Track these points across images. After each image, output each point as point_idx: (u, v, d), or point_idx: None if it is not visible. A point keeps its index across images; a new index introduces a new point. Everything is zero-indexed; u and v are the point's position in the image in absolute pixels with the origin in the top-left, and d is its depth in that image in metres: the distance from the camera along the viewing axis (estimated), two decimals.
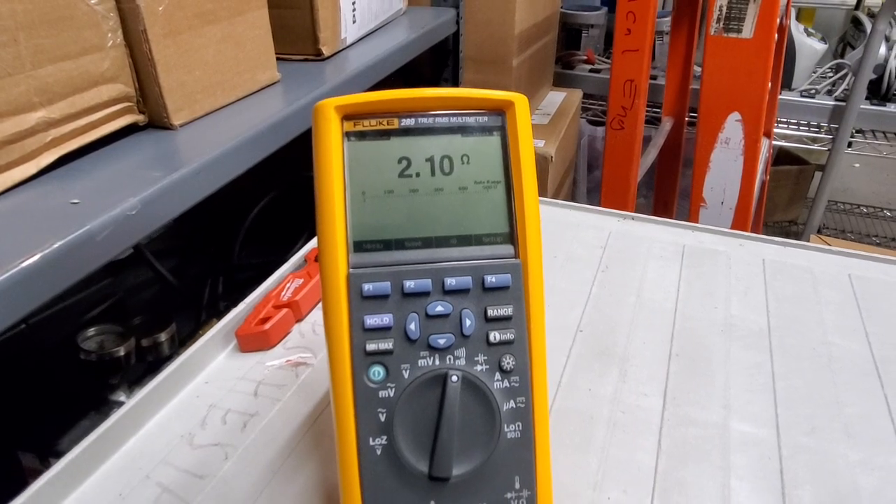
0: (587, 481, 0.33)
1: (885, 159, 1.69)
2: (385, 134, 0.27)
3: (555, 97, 1.42)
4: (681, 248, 0.54)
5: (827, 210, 2.39)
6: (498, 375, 0.26)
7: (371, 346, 0.25)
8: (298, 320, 0.43)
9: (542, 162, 1.09)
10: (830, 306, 0.47)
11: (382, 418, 0.25)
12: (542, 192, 1.13)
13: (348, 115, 0.26)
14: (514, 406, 0.26)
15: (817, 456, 0.35)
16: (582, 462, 0.34)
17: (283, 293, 0.43)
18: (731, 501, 0.32)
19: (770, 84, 0.97)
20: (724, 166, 0.91)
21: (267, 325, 0.41)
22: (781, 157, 2.04)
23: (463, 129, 0.27)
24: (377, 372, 0.26)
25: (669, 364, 0.41)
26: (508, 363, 0.26)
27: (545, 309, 0.27)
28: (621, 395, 0.39)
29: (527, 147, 0.27)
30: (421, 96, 0.27)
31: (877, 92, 1.45)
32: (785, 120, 1.51)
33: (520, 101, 0.27)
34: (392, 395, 0.26)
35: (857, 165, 2.75)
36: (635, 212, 0.57)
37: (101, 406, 0.55)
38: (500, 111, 0.27)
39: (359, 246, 0.26)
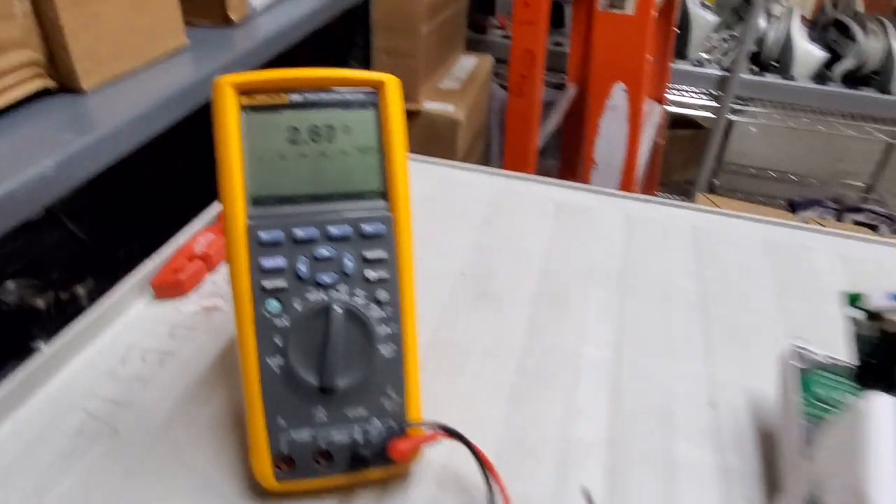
0: (459, 396, 0.40)
1: (782, 124, 1.84)
2: (276, 107, 0.32)
3: (466, 62, 1.47)
4: (557, 205, 0.61)
5: (723, 171, 2.59)
6: (374, 307, 0.32)
7: (267, 284, 0.31)
8: (210, 271, 0.48)
9: (451, 126, 1.14)
10: (675, 252, 0.56)
11: (279, 343, 0.31)
12: (452, 156, 1.19)
13: (244, 91, 0.31)
14: (388, 331, 0.32)
15: (646, 370, 0.43)
16: (456, 383, 0.41)
17: (195, 246, 0.48)
18: (575, 407, 0.40)
19: (657, 55, 1.06)
20: (612, 131, 1.00)
21: (181, 275, 0.45)
22: (681, 122, 2.18)
23: (343, 104, 0.32)
24: (273, 305, 0.31)
25: (537, 303, 0.49)
26: (383, 297, 0.32)
27: (414, 254, 0.33)
28: (494, 330, 0.46)
29: (396, 119, 0.33)
30: (305, 76, 0.32)
31: (759, 63, 1.58)
32: (679, 87, 1.63)
33: (391, 80, 0.33)
34: (286, 323, 0.31)
35: (753, 130, 2.96)
36: (545, 175, 0.64)
37: (23, 354, 0.58)
38: (375, 89, 0.33)
39: (255, 201, 0.31)
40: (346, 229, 0.32)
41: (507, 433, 0.38)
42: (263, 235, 0.31)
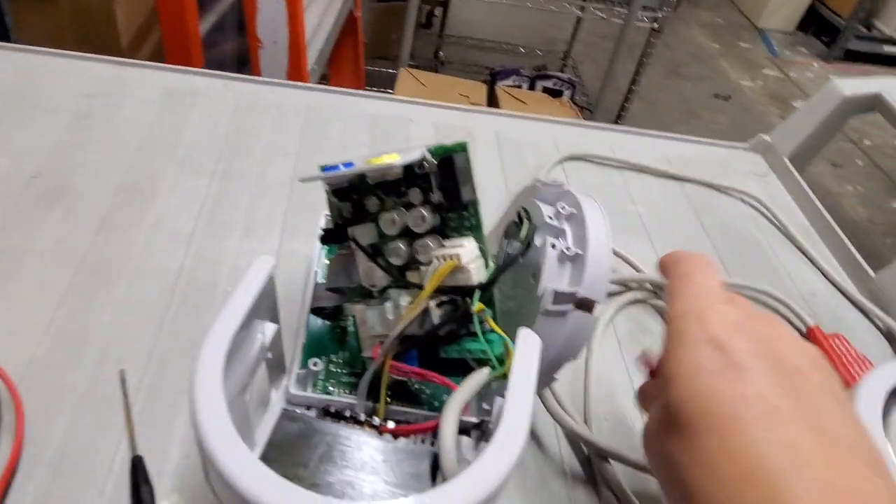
0: (7, 301, 0.39)
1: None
2: None
3: None
4: (164, 92, 0.59)
5: (447, 43, 2.68)
6: None
7: None
8: None
9: (104, 4, 1.02)
10: (282, 134, 0.57)
11: None
12: (112, 36, 1.06)
13: None
14: None
15: (217, 252, 0.45)
16: (7, 288, 0.39)
17: None
18: (132, 298, 0.41)
19: None
20: (271, 7, 0.97)
21: None
22: None
23: None
24: None
25: (118, 197, 0.48)
26: None
27: None
28: (61, 230, 0.44)
29: None
30: None
31: None
32: None
33: None
34: None
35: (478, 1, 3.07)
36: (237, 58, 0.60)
37: None
38: None
39: None
40: None
41: (52, 331, 0.38)
42: None
